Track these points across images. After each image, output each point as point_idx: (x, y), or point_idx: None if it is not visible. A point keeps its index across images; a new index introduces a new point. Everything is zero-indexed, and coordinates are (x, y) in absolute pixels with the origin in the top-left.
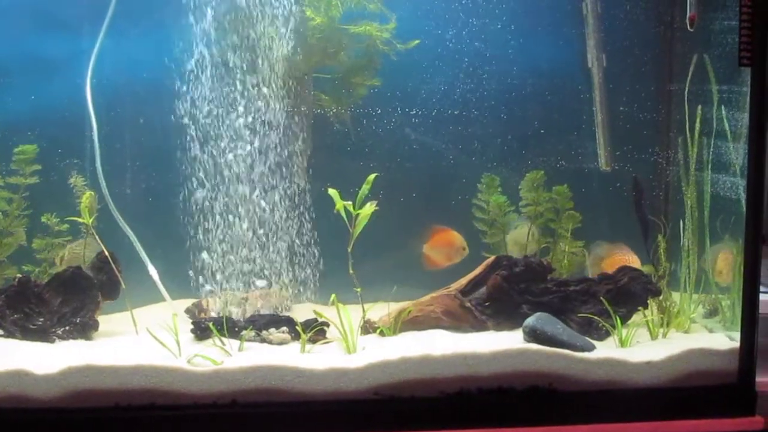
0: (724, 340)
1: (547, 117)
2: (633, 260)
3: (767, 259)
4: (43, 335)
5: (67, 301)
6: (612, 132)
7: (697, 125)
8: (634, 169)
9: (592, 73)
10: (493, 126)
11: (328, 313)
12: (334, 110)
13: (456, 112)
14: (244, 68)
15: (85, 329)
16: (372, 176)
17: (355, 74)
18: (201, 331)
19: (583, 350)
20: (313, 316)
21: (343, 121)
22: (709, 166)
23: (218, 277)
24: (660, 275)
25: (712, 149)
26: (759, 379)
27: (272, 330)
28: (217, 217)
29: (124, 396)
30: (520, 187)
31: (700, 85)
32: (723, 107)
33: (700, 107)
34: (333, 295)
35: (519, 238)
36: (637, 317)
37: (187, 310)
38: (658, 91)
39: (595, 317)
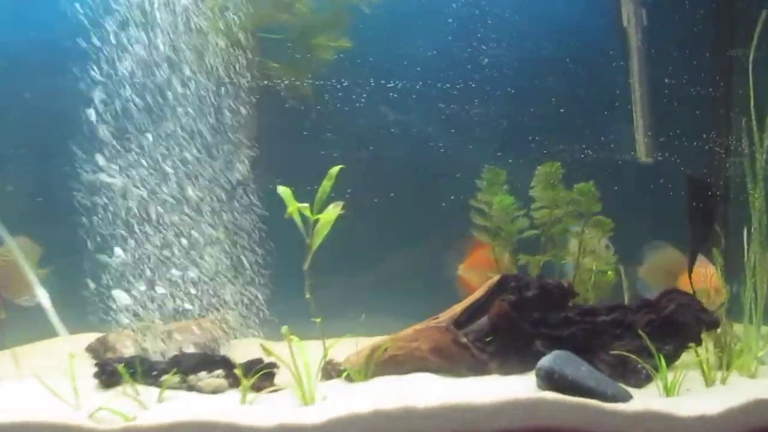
0: None
1: (568, 92)
2: (712, 275)
3: None
4: None
5: None
6: (654, 112)
7: None
8: (682, 161)
9: (628, 35)
10: (497, 104)
11: (278, 350)
12: (288, 82)
13: (449, 86)
14: (165, 30)
15: None
16: (336, 169)
17: (316, 33)
18: (108, 376)
19: (615, 400)
20: (258, 354)
21: (300, 96)
22: None
23: (131, 303)
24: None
25: None
26: None
27: (203, 374)
28: (130, 221)
29: None
30: (532, 184)
31: None
32: None
33: None
34: (284, 327)
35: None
36: (687, 356)
37: (90, 348)
38: (714, 59)
39: (632, 356)
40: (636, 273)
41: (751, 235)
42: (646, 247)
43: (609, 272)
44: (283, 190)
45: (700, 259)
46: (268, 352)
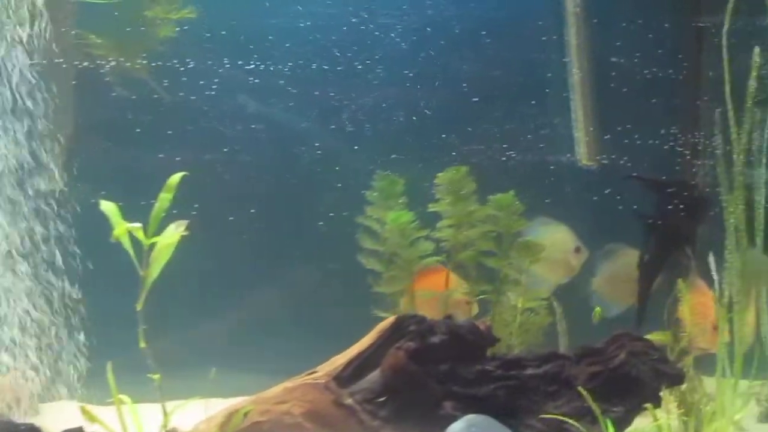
0: None
1: (484, 75)
2: (708, 303)
3: None
4: None
5: None
6: (598, 101)
7: (750, 85)
8: (635, 165)
9: None
10: (391, 91)
11: (104, 415)
12: (115, 63)
13: (328, 68)
14: None
15: None
16: (177, 177)
17: (150, 2)
18: None
19: None
20: (77, 421)
21: (131, 81)
22: (765, 160)
23: None
24: (682, 348)
25: None
26: None
27: None
28: None
29: None
30: (437, 197)
31: (748, 17)
32: None
33: (754, 54)
34: (112, 386)
35: (556, 252)
36: (642, 420)
37: None
38: (677, 30)
39: (570, 421)
40: (589, 286)
41: (725, 259)
42: (599, 253)
43: (596, 310)
44: (107, 206)
45: (697, 285)
46: (91, 419)
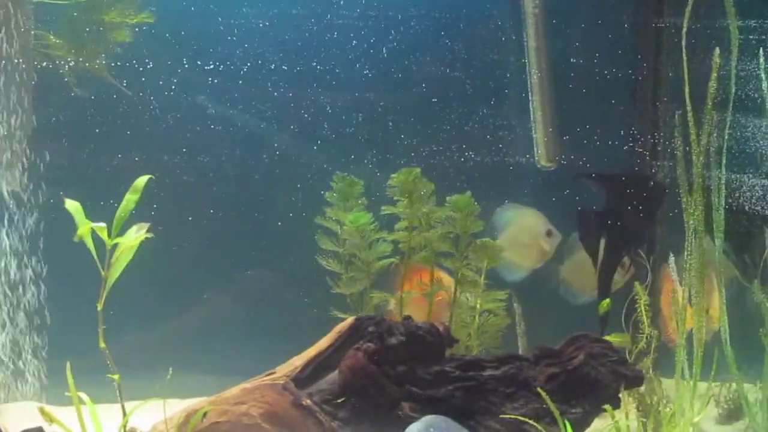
0: None
1: (442, 76)
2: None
3: None
4: None
5: None
6: (557, 102)
7: (710, 87)
8: (594, 166)
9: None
10: (349, 93)
11: (63, 416)
12: (73, 63)
13: (285, 68)
14: None
15: None
16: (142, 180)
17: (108, 5)
18: None
19: None
20: (37, 421)
21: (89, 81)
22: (724, 162)
23: None
24: (641, 350)
25: (730, 130)
26: None
27: None
28: None
29: None
30: (394, 197)
31: (708, 19)
32: (755, 57)
33: (714, 55)
34: (71, 385)
35: (520, 235)
36: (601, 422)
37: None
38: (636, 30)
39: (529, 422)
40: (557, 274)
41: (685, 261)
42: (566, 240)
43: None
44: (72, 205)
45: (668, 275)
46: (50, 419)
